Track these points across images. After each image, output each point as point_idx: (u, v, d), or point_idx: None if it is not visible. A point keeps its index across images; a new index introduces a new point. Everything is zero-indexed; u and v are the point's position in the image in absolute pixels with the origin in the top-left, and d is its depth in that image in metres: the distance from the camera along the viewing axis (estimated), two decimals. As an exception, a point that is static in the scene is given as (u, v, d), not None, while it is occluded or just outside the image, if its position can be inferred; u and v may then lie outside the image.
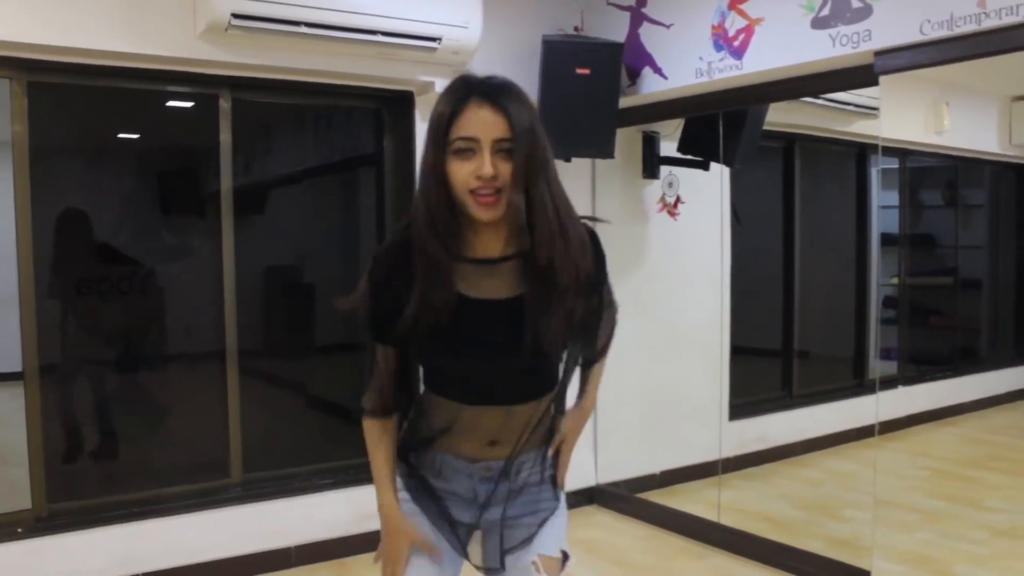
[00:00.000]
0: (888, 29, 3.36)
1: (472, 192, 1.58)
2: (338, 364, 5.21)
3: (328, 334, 5.23)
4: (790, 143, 5.44)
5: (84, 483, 4.00)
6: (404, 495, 1.86)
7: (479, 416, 1.76)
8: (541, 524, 1.87)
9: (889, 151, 5.50)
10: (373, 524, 4.08)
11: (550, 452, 1.90)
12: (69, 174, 4.34)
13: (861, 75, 3.54)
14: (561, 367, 1.82)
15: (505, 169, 1.57)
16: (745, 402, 5.20)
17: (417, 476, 1.85)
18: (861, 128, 5.34)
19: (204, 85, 3.97)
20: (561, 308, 1.65)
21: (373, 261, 1.74)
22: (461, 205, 1.61)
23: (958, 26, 3.15)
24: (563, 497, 1.96)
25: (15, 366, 5.42)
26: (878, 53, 3.42)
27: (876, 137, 5.40)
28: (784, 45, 3.70)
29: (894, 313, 6.08)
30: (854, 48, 3.46)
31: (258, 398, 4.28)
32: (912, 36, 3.28)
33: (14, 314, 3.66)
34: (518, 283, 1.68)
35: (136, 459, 4.23)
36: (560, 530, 1.91)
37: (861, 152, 5.76)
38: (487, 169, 1.56)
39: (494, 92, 1.59)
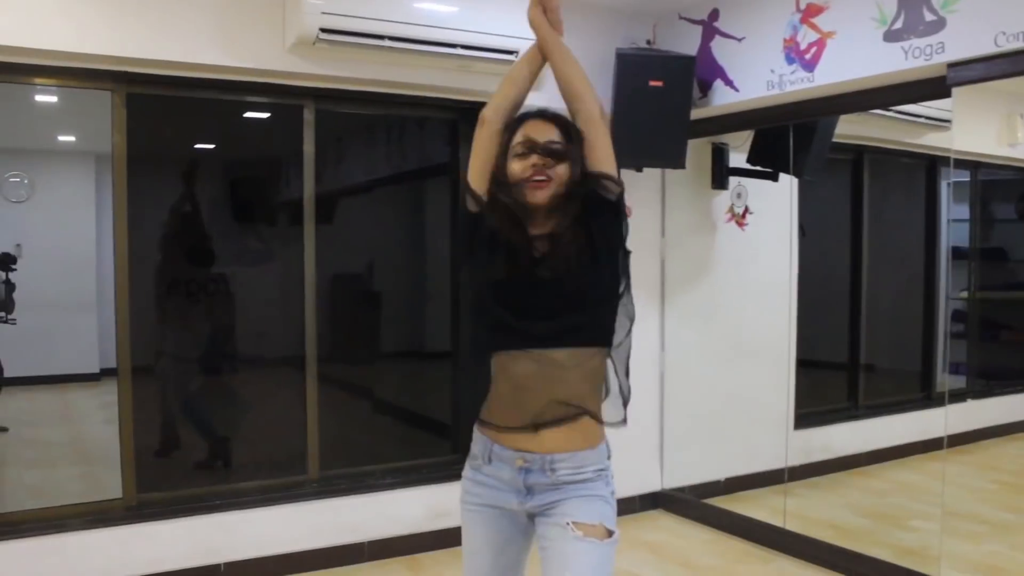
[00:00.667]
0: (961, 41, 3.39)
1: (526, 180, 1.95)
2: (402, 370, 5.37)
3: (393, 342, 5.39)
4: (859, 155, 5.46)
5: (172, 475, 4.18)
6: (466, 482, 2.10)
7: (511, 363, 1.92)
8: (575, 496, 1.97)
9: (960, 163, 5.50)
10: (443, 522, 4.25)
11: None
12: (158, 182, 4.58)
13: (934, 87, 3.58)
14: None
15: (555, 164, 1.96)
16: (811, 412, 5.22)
17: (475, 467, 2.07)
18: (932, 140, 5.34)
19: (290, 96, 4.14)
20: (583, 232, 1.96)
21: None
22: (517, 194, 1.97)
23: (1033, 39, 3.18)
24: (611, 490, 2.03)
25: (93, 367, 5.72)
26: (951, 65, 3.46)
27: (947, 149, 5.42)
28: (856, 58, 3.75)
29: (963, 327, 6.05)
30: (927, 60, 3.50)
31: (330, 401, 4.43)
32: (986, 48, 3.32)
33: (92, 318, 3.83)
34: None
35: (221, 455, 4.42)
36: (600, 507, 1.98)
37: (931, 165, 5.75)
38: (536, 159, 1.96)
39: (544, 112, 2.07)
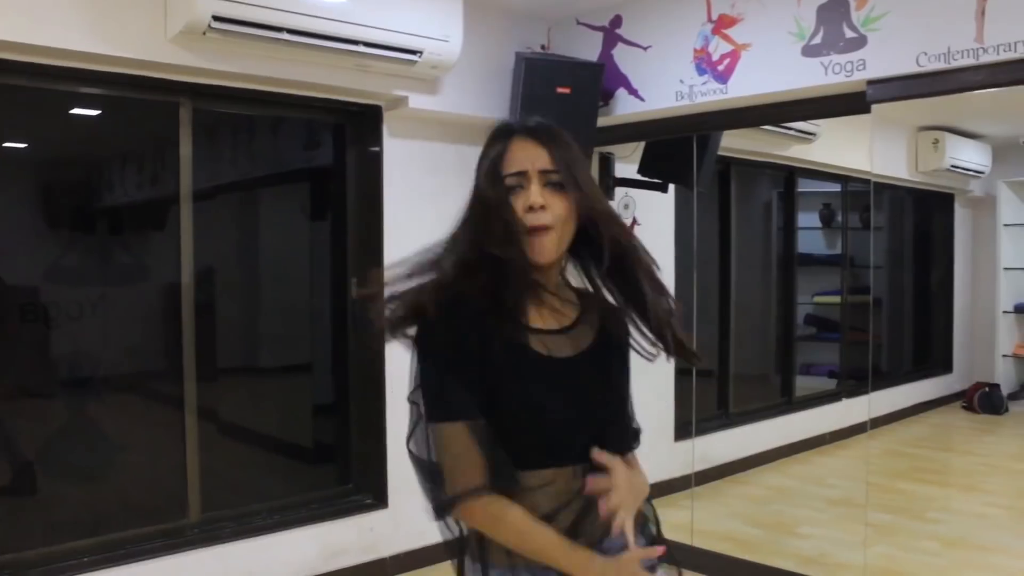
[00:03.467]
0: (883, 59, 3.44)
1: (529, 231, 1.52)
2: (237, 387, 4.89)
3: (228, 357, 4.92)
4: (727, 166, 5.55)
5: (28, 533, 3.57)
6: None
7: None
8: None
9: (830, 176, 5.71)
10: (340, 561, 3.89)
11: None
12: None
13: (852, 103, 3.61)
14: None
15: (554, 201, 1.53)
16: (687, 422, 5.23)
17: None
18: (795, 152, 5.52)
19: (165, 92, 3.64)
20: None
21: (427, 331, 1.53)
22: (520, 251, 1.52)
23: (954, 59, 3.26)
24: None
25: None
26: (871, 82, 3.50)
27: (812, 162, 5.59)
28: (773, 71, 3.74)
29: (815, 330, 6.31)
30: (848, 76, 3.53)
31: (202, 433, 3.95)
32: (908, 67, 3.38)
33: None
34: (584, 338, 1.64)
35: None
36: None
37: (790, 176, 5.94)
38: (535, 198, 1.52)
39: (534, 129, 1.57)
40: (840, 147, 5.26)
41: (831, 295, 6.09)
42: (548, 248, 1.53)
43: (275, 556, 3.86)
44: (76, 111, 4.23)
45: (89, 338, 4.07)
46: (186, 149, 3.74)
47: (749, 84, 3.82)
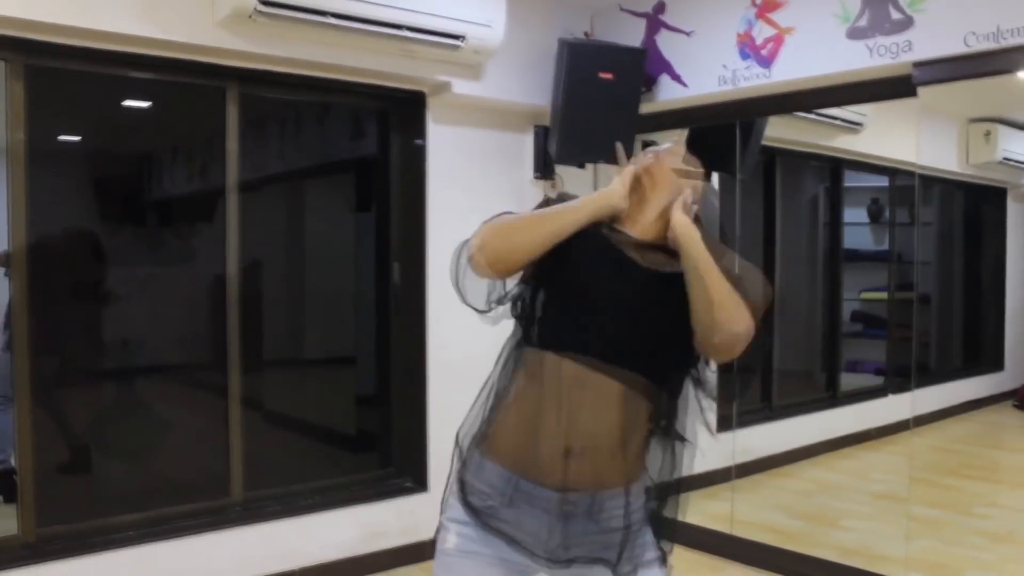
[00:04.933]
0: (929, 41, 3.39)
1: None
2: (288, 378, 4.95)
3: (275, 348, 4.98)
4: (771, 157, 5.50)
5: (76, 506, 3.65)
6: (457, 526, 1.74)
7: (558, 366, 1.65)
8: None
9: (877, 169, 5.63)
10: (380, 543, 3.93)
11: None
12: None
13: (898, 86, 3.56)
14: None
15: None
16: (728, 415, 5.19)
17: (474, 508, 1.71)
18: (841, 143, 5.46)
19: (213, 77, 3.71)
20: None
21: None
22: None
23: (1004, 39, 3.21)
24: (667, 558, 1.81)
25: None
26: (918, 64, 3.45)
27: (863, 154, 5.51)
28: (817, 54, 3.70)
29: (862, 327, 6.22)
30: (893, 59, 3.48)
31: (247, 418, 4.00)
32: (955, 48, 3.33)
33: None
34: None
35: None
36: None
37: (836, 168, 5.88)
38: None
39: None
40: (887, 138, 5.20)
41: (878, 291, 6.01)
42: None
43: (316, 535, 3.91)
44: (129, 103, 4.34)
45: (139, 328, 4.17)
46: (232, 136, 3.80)
47: (793, 68, 3.79)
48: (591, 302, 1.70)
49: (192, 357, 4.29)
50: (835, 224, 5.99)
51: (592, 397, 1.64)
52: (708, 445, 4.95)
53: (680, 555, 4.21)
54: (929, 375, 6.19)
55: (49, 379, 3.59)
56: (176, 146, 4.79)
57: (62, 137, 4.36)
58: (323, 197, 5.21)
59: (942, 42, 3.37)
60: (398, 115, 4.27)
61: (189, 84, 3.75)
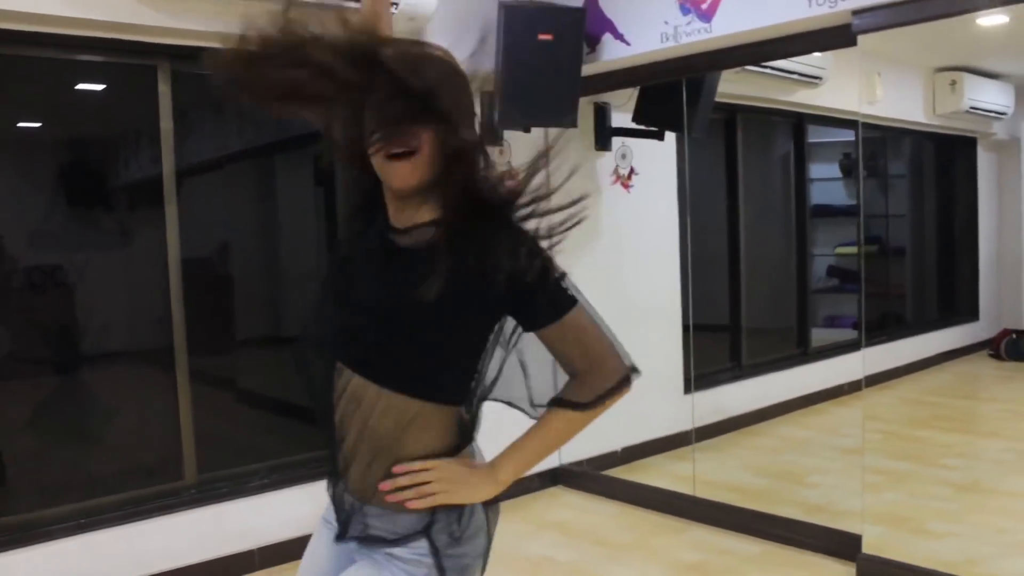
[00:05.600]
0: (867, -13, 3.32)
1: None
2: (263, 358, 4.92)
3: (248, 328, 4.94)
4: (732, 114, 5.43)
5: (21, 497, 3.63)
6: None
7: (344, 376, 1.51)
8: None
9: (839, 122, 5.55)
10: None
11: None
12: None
13: (838, 36, 3.50)
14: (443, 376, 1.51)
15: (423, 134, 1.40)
16: (698, 375, 5.16)
17: None
18: (802, 98, 5.38)
19: (139, 55, 3.64)
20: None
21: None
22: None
23: (940, -18, 3.14)
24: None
25: None
26: (856, 12, 3.38)
27: (819, 107, 5.44)
28: (756, 6, 3.63)
29: (838, 282, 6.18)
30: (832, 8, 3.41)
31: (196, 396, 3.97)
32: (892, -6, 3.26)
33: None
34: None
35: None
36: None
37: (799, 123, 5.81)
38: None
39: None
40: (848, 91, 5.13)
41: (853, 246, 5.96)
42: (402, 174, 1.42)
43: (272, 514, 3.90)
44: (81, 86, 4.27)
45: (91, 312, 4.12)
46: (166, 116, 3.74)
47: (733, 22, 3.71)
48: None
49: (142, 342, 4.25)
50: (801, 180, 5.94)
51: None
52: (677, 406, 4.96)
53: (644, 517, 4.24)
54: (905, 327, 6.17)
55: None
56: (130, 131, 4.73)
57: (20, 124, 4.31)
58: (287, 174, 5.15)
59: (878, -12, 3.30)
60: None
61: (125, 64, 3.68)
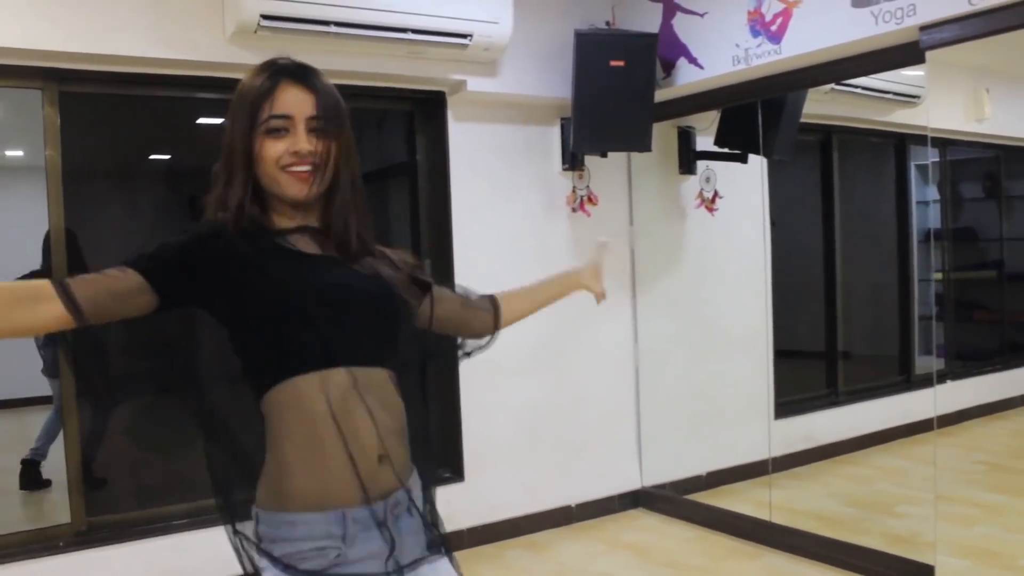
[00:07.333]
0: (933, 2, 3.26)
1: (285, 168, 1.51)
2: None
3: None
4: (827, 136, 5.34)
5: (124, 497, 3.93)
6: None
7: (325, 381, 1.49)
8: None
9: (932, 141, 5.38)
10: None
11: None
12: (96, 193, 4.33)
13: (906, 53, 3.44)
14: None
15: (319, 147, 1.53)
16: (790, 400, 5.07)
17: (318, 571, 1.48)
18: (900, 117, 5.24)
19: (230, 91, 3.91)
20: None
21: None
22: (270, 185, 1.54)
23: (1008, -6, 3.05)
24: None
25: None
26: (923, 28, 3.32)
27: (921, 127, 5.30)
28: (824, 26, 3.61)
29: (938, 309, 5.94)
30: (898, 24, 3.36)
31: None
32: (959, 7, 3.18)
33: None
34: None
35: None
36: None
37: (900, 143, 5.64)
38: (303, 144, 1.51)
39: (304, 73, 1.55)
40: (950, 109, 4.98)
41: (967, 271, 5.75)
42: (306, 186, 1.53)
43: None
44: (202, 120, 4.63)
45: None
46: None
47: (802, 42, 3.70)
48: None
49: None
50: (903, 202, 5.75)
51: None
52: (766, 432, 4.89)
53: (719, 542, 4.21)
54: (1020, 355, 5.87)
55: None
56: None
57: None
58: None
59: (946, 3, 3.23)
60: (421, 116, 4.38)
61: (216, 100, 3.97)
